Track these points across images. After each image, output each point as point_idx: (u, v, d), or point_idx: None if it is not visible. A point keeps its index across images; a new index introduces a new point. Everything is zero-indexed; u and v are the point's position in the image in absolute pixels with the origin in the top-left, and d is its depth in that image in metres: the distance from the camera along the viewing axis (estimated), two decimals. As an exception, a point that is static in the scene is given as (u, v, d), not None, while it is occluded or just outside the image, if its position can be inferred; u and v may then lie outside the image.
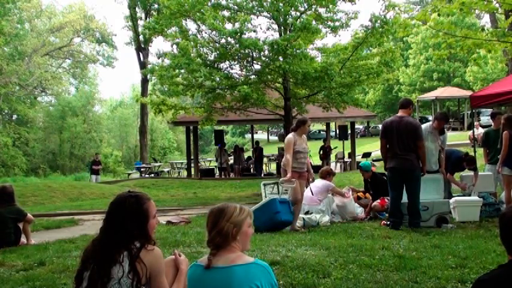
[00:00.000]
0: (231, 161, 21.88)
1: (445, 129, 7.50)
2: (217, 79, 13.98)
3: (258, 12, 13.60)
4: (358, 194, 8.09)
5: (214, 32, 13.29)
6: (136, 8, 29.07)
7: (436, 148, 7.16)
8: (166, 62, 14.10)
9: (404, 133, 6.40)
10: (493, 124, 8.60)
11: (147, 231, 2.45)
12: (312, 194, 7.51)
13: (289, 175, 6.50)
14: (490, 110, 11.53)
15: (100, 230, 2.46)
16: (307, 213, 7.31)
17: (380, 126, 20.83)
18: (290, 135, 6.79)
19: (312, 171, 7.14)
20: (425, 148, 6.63)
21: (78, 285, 2.36)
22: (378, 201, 7.51)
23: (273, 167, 23.36)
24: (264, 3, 13.26)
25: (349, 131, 22.70)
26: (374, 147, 26.32)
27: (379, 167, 7.37)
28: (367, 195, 8.00)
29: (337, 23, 13.33)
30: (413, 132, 6.41)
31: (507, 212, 2.07)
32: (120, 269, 2.29)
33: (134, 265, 2.30)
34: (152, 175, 23.09)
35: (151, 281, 2.35)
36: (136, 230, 2.40)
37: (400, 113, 6.62)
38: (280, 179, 6.96)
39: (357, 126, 22.64)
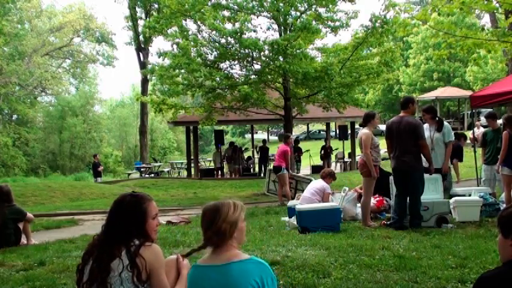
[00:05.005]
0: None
1: (444, 124, 7.41)
2: (218, 79, 13.99)
3: (258, 12, 13.61)
4: (360, 192, 8.04)
5: (214, 32, 13.30)
6: (137, 8, 29.04)
7: (434, 144, 7.12)
8: (167, 61, 14.11)
9: (403, 133, 6.40)
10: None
11: (146, 230, 2.50)
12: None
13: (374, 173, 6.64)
14: (489, 110, 11.50)
15: (102, 226, 2.53)
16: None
17: (380, 126, 20.87)
18: (367, 131, 6.74)
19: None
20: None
21: (80, 279, 2.43)
22: (374, 202, 7.48)
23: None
24: (264, 3, 13.27)
25: (349, 131, 22.69)
26: (374, 147, 26.25)
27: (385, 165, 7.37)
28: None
29: (337, 23, 13.34)
30: (413, 132, 6.36)
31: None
32: (120, 263, 2.34)
33: (134, 259, 2.34)
34: (152, 175, 23.07)
35: (151, 277, 2.39)
36: (134, 228, 2.45)
37: (401, 114, 6.62)
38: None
39: (357, 126, 22.62)
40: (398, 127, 6.46)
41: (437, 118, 7.34)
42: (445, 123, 7.51)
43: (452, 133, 7.56)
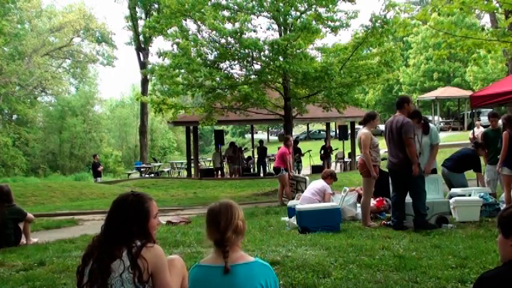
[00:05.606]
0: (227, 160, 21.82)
1: (430, 126, 7.35)
2: (218, 79, 13.97)
3: (258, 12, 13.59)
4: (361, 192, 8.02)
5: (214, 32, 13.29)
6: (137, 8, 29.06)
7: (423, 148, 6.96)
8: (167, 61, 14.10)
9: (394, 133, 6.42)
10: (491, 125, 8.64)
11: (148, 230, 2.49)
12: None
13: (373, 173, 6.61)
14: (490, 110, 11.51)
15: (101, 227, 2.51)
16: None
17: (380, 126, 20.94)
18: (366, 131, 6.70)
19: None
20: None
21: (80, 280, 2.41)
22: (374, 202, 7.47)
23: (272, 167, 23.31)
24: (264, 3, 13.26)
25: (349, 131, 22.70)
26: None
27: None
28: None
29: (337, 23, 13.32)
30: (399, 131, 6.32)
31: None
32: (121, 264, 2.32)
33: (135, 260, 2.33)
34: (152, 175, 23.08)
35: (154, 277, 2.38)
36: (136, 228, 2.44)
37: (397, 113, 6.61)
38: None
39: (357, 126, 22.63)
40: (390, 127, 6.49)
41: (422, 121, 7.25)
42: (431, 125, 7.46)
43: (439, 135, 7.49)
